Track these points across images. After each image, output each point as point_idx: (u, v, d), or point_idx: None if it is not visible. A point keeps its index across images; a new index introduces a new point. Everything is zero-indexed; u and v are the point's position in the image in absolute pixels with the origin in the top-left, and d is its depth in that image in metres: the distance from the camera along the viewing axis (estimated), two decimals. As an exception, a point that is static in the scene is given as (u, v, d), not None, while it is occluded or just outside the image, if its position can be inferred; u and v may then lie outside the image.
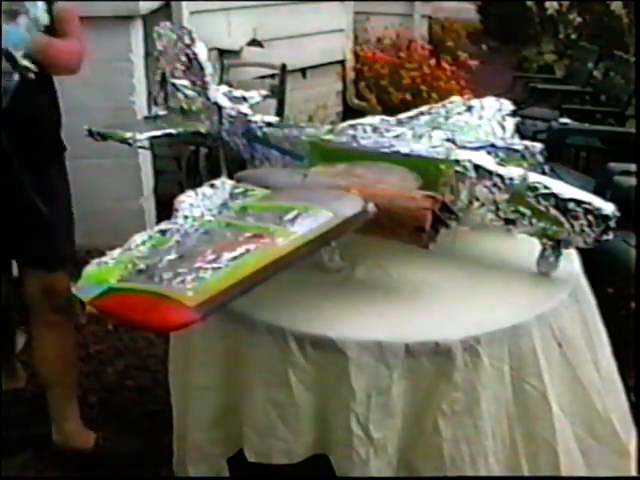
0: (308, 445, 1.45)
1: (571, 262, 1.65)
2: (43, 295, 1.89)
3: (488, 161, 1.61)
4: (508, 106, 2.07)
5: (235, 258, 1.25)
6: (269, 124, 1.89)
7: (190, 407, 1.57)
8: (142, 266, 1.28)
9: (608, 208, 1.50)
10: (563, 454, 1.45)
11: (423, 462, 1.42)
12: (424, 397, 1.39)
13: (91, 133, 2.03)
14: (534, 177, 1.56)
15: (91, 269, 1.28)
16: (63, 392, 2.00)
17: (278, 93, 3.51)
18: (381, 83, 5.22)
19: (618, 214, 1.51)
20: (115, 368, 2.52)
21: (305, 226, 1.33)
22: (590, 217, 1.49)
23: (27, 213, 1.77)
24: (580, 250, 1.65)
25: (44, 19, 1.69)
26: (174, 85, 2.08)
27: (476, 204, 1.57)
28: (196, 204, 1.51)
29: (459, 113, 2.01)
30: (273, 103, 3.42)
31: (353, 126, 1.84)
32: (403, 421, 1.39)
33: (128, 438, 2.05)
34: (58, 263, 1.88)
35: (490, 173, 1.56)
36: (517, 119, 2.03)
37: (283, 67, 3.63)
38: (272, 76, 3.78)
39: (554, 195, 1.52)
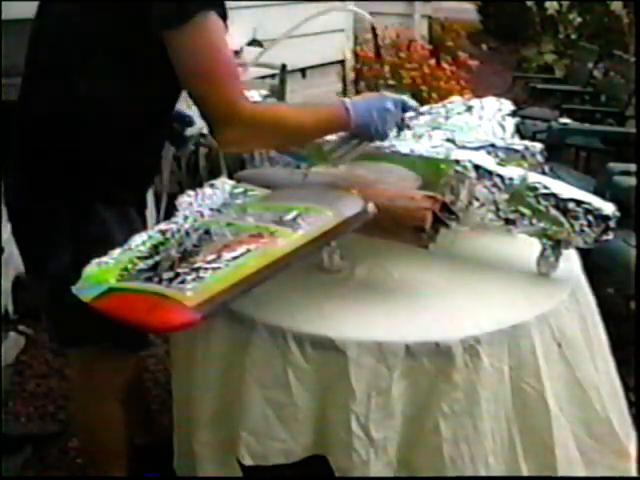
0: (307, 446, 1.44)
1: (571, 262, 1.65)
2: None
3: (488, 161, 1.61)
4: (508, 106, 2.06)
5: (235, 258, 1.24)
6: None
7: (193, 407, 1.57)
8: (142, 266, 1.28)
9: (608, 208, 1.50)
10: (561, 454, 1.45)
11: (423, 462, 1.41)
12: (424, 397, 1.39)
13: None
14: (534, 177, 1.56)
15: (91, 269, 1.28)
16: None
17: (278, 93, 3.51)
18: (381, 83, 5.22)
19: (618, 214, 1.51)
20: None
21: (305, 226, 1.33)
22: (590, 217, 1.49)
23: None
24: (580, 250, 1.65)
25: None
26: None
27: (476, 204, 1.57)
28: (196, 204, 1.51)
29: (459, 113, 2.00)
30: (273, 103, 3.42)
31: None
32: (403, 421, 1.39)
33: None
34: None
35: (490, 173, 1.56)
36: (517, 119, 2.03)
37: (283, 67, 3.63)
38: (272, 76, 3.78)
39: (554, 195, 1.52)
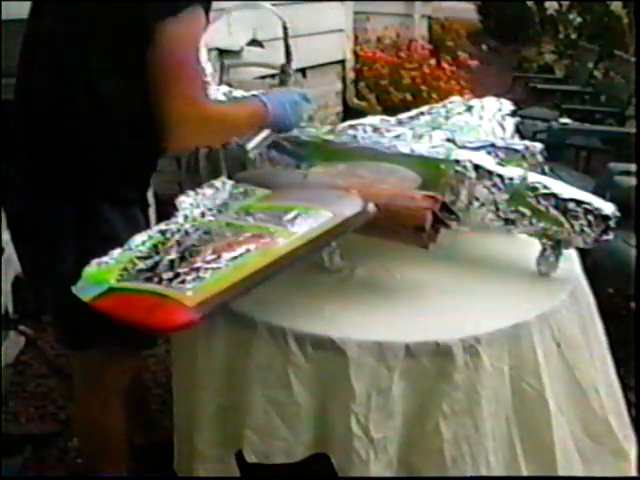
0: (308, 444, 1.45)
1: (571, 262, 1.65)
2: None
3: (488, 161, 1.61)
4: (508, 106, 2.06)
5: (235, 258, 1.24)
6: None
7: (194, 407, 1.57)
8: (142, 266, 1.28)
9: (608, 208, 1.50)
10: (560, 453, 1.45)
11: (424, 462, 1.42)
12: (424, 397, 1.39)
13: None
14: (534, 177, 1.56)
15: (91, 269, 1.28)
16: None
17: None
18: (381, 83, 5.22)
19: (618, 214, 1.51)
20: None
21: (305, 226, 1.33)
22: (590, 217, 1.49)
23: None
24: (580, 250, 1.65)
25: None
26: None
27: (476, 204, 1.57)
28: (196, 204, 1.51)
29: (459, 113, 2.01)
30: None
31: (353, 126, 1.84)
32: (403, 421, 1.40)
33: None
34: None
35: (490, 173, 1.56)
36: (517, 119, 2.03)
37: (283, 67, 3.63)
38: (272, 76, 3.78)
39: (554, 195, 1.52)
